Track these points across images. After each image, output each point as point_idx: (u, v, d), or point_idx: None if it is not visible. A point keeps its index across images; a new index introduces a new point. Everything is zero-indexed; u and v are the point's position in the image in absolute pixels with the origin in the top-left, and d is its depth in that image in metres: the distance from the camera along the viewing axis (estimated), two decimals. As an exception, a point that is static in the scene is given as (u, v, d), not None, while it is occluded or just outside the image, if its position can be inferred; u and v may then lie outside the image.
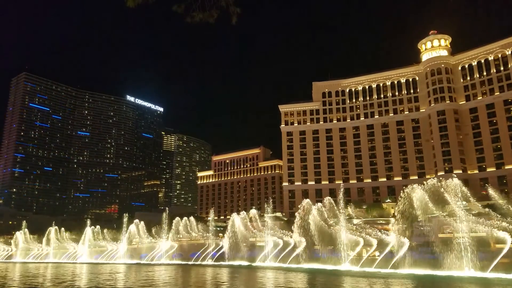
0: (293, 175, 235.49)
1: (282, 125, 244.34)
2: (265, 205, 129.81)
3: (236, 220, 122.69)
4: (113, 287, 62.03)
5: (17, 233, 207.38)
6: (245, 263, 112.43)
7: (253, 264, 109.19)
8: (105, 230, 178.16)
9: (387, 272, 76.92)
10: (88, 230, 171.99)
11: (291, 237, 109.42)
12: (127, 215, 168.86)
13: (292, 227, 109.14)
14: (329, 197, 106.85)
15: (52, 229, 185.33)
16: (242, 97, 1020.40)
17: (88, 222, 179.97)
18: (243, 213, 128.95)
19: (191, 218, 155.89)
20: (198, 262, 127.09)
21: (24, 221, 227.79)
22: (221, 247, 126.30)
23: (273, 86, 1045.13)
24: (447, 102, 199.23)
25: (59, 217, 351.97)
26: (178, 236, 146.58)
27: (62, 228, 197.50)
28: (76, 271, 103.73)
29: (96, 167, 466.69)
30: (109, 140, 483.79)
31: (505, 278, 62.51)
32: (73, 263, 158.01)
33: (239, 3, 18.10)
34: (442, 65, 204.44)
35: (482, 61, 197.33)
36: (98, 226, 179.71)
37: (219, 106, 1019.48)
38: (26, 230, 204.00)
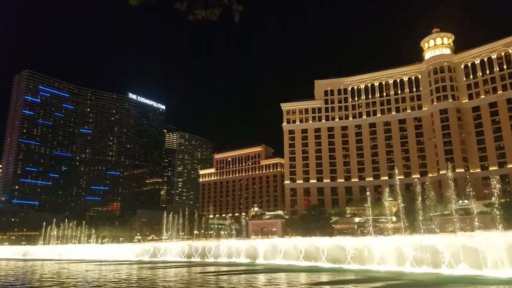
0: (294, 173, 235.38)
1: (284, 123, 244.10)
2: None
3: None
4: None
5: None
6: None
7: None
8: None
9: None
10: None
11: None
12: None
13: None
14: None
15: None
16: (244, 96, 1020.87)
17: None
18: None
19: None
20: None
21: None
22: None
23: (275, 85, 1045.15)
24: (450, 100, 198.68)
25: (61, 214, 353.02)
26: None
27: None
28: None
29: (98, 164, 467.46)
30: (111, 138, 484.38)
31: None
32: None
33: (242, 0, 18.01)
34: (445, 64, 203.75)
35: (485, 59, 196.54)
36: None
37: (221, 105, 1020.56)
38: None
